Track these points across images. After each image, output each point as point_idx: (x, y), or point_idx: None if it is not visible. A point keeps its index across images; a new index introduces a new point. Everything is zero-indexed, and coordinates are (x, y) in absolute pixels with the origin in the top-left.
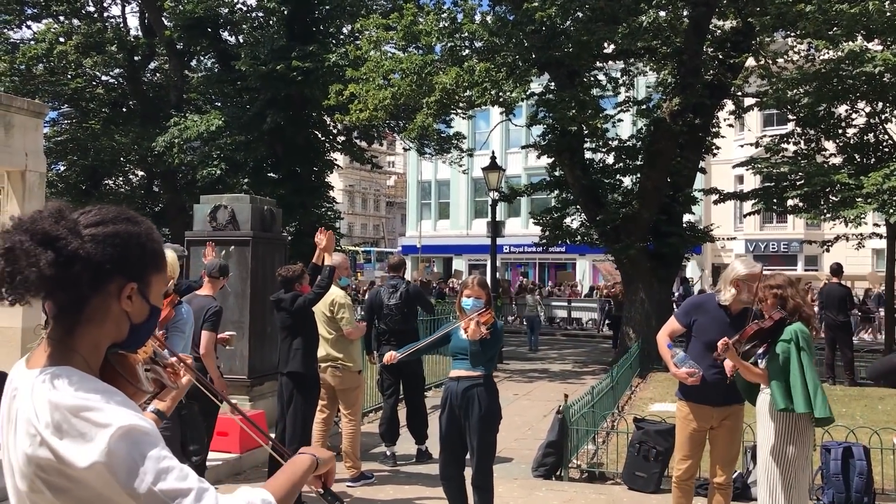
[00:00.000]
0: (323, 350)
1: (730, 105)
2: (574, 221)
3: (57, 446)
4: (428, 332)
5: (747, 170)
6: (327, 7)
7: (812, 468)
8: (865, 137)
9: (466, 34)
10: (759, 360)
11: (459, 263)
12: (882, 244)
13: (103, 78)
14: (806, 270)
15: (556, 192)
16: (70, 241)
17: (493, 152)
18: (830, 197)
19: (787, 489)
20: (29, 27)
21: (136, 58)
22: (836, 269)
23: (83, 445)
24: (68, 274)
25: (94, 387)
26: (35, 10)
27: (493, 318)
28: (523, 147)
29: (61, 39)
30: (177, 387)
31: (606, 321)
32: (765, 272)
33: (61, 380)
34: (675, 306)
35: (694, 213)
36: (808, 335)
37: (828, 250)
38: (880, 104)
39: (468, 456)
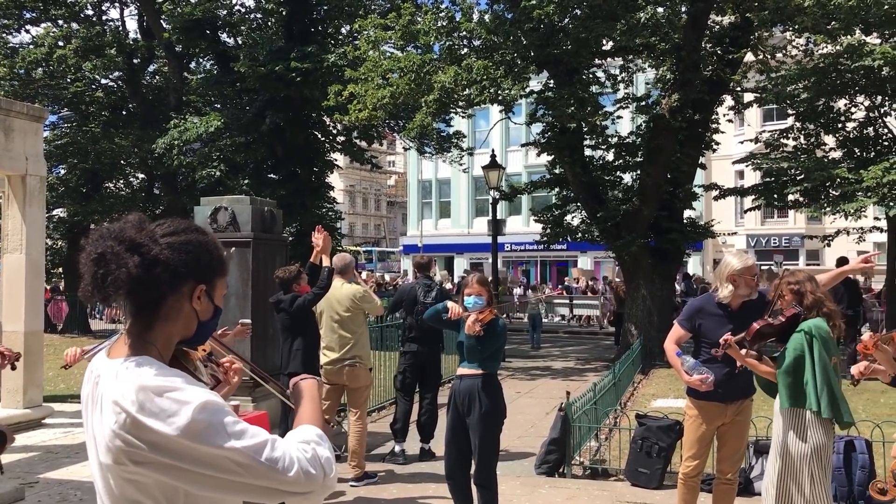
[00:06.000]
0: (339, 349)
1: (729, 100)
2: (575, 219)
3: (145, 421)
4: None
5: (747, 165)
6: (325, 8)
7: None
8: (865, 131)
9: (464, 33)
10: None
11: (461, 262)
12: (883, 237)
13: (103, 81)
14: (808, 265)
15: (557, 189)
16: (152, 248)
17: (493, 151)
18: (831, 191)
19: (792, 486)
20: (28, 31)
21: (135, 61)
22: (843, 263)
23: (169, 419)
24: (151, 275)
25: (172, 372)
26: (34, 15)
27: (493, 316)
28: (523, 145)
29: (60, 43)
30: (229, 383)
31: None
32: (787, 268)
33: (144, 367)
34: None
35: (694, 209)
36: (825, 331)
37: (829, 245)
38: (879, 98)
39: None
